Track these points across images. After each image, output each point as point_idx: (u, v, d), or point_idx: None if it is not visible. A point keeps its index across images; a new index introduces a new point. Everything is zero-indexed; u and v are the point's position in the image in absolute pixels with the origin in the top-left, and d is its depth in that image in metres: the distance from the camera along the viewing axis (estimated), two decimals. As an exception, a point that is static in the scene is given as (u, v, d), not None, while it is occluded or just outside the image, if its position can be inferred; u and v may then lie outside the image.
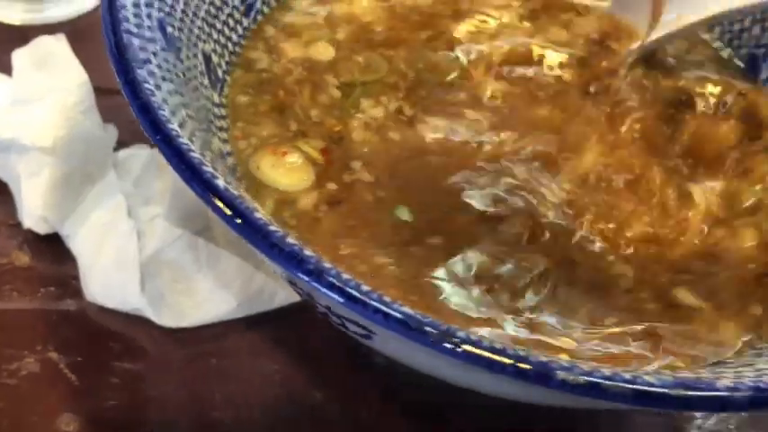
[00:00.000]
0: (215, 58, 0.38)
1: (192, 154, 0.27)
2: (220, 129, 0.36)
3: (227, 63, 0.39)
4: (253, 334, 0.39)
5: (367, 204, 0.35)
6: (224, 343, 0.39)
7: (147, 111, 0.28)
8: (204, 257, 0.39)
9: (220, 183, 0.27)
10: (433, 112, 0.39)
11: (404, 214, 0.34)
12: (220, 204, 0.27)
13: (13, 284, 0.39)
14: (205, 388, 0.37)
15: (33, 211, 0.39)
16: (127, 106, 0.29)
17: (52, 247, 0.40)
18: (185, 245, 0.39)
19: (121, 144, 0.43)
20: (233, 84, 0.38)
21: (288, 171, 0.35)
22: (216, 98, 0.37)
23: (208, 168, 0.27)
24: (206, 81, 0.36)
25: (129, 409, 0.36)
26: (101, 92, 0.42)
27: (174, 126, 0.28)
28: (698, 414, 0.39)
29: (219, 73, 0.38)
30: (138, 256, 0.38)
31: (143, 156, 0.42)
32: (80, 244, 0.39)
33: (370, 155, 0.37)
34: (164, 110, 0.28)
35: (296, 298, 0.39)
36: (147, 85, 0.29)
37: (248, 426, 0.36)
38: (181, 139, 0.28)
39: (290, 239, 0.26)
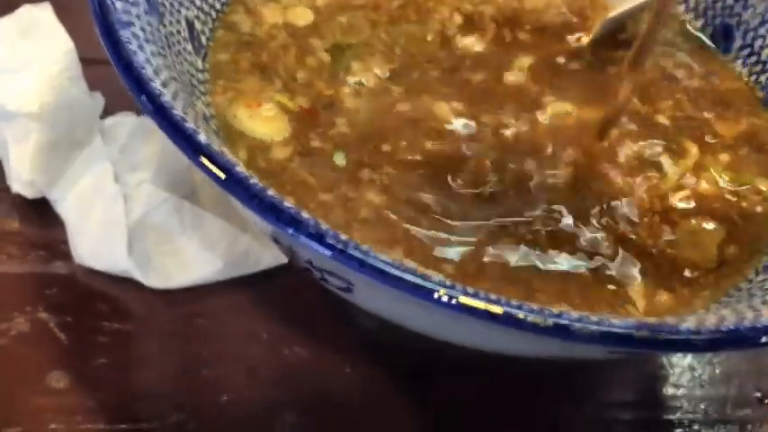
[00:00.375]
0: (198, 25, 0.39)
1: (175, 111, 0.28)
2: (203, 93, 0.37)
3: (210, 30, 0.40)
4: (239, 295, 0.40)
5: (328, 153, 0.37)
6: (211, 303, 0.40)
7: (130, 70, 0.29)
8: (189, 220, 0.40)
9: (202, 138, 0.28)
10: (425, 90, 0.40)
11: (339, 159, 0.36)
12: (203, 159, 0.28)
13: (3, 248, 0.40)
14: (192, 347, 0.38)
15: (21, 176, 0.40)
16: (113, 75, 0.30)
17: (41, 211, 0.41)
18: (171, 208, 0.40)
19: (108, 112, 0.44)
20: (215, 43, 0.39)
21: (264, 121, 0.36)
22: (199, 64, 0.38)
23: (190, 125, 0.28)
24: (189, 47, 0.37)
25: (118, 367, 0.37)
26: (87, 62, 0.43)
27: (156, 85, 0.29)
28: (671, 372, 0.41)
29: (203, 40, 0.39)
30: (125, 219, 0.39)
31: (129, 123, 0.43)
32: (68, 208, 0.40)
33: (357, 119, 0.38)
34: (147, 69, 0.29)
35: (281, 260, 0.40)
36: (130, 46, 0.30)
37: (235, 383, 0.37)
38: (164, 98, 0.29)
39: (270, 192, 0.27)
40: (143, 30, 0.32)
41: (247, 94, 0.37)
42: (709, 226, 0.37)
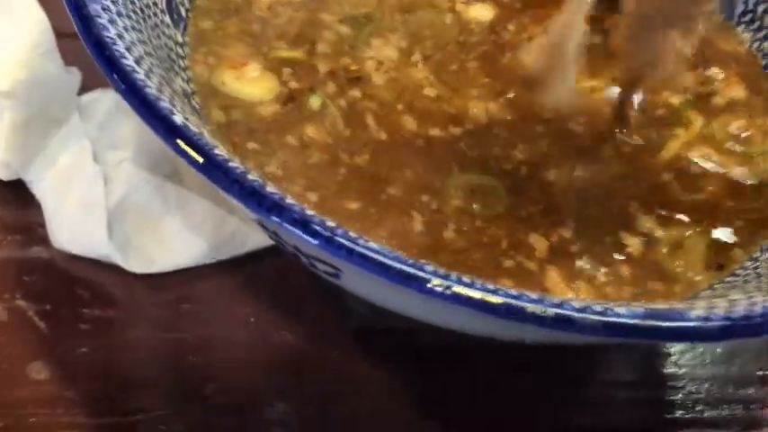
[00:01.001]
0: (176, -4, 0.37)
1: (149, 90, 0.27)
2: (183, 68, 0.35)
3: (189, 1, 0.38)
4: (225, 278, 0.39)
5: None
6: (195, 287, 0.38)
7: (100, 46, 0.27)
8: (173, 199, 0.39)
9: (178, 119, 0.26)
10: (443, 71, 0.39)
11: (315, 103, 0.36)
12: (179, 141, 0.26)
13: (-22, 233, 0.39)
14: (178, 333, 0.37)
15: (-5, 157, 0.39)
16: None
17: (17, 194, 0.39)
18: (153, 188, 0.38)
19: (86, 88, 0.42)
20: (195, 12, 0.37)
21: (250, 81, 0.35)
22: (179, 38, 0.36)
23: (165, 104, 0.26)
24: (167, 19, 0.35)
25: (100, 356, 0.36)
26: (63, 35, 0.41)
27: (129, 62, 0.27)
28: (673, 351, 0.40)
29: (182, 11, 0.37)
30: (105, 201, 0.38)
31: (108, 99, 0.41)
32: (45, 190, 0.39)
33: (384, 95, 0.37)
34: (118, 45, 0.27)
35: (268, 242, 0.39)
36: (100, 20, 0.28)
37: (222, 368, 0.36)
38: (137, 75, 0.27)
39: (252, 176, 0.25)
40: (115, 2, 0.30)
41: (231, 58, 0.36)
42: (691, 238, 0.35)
